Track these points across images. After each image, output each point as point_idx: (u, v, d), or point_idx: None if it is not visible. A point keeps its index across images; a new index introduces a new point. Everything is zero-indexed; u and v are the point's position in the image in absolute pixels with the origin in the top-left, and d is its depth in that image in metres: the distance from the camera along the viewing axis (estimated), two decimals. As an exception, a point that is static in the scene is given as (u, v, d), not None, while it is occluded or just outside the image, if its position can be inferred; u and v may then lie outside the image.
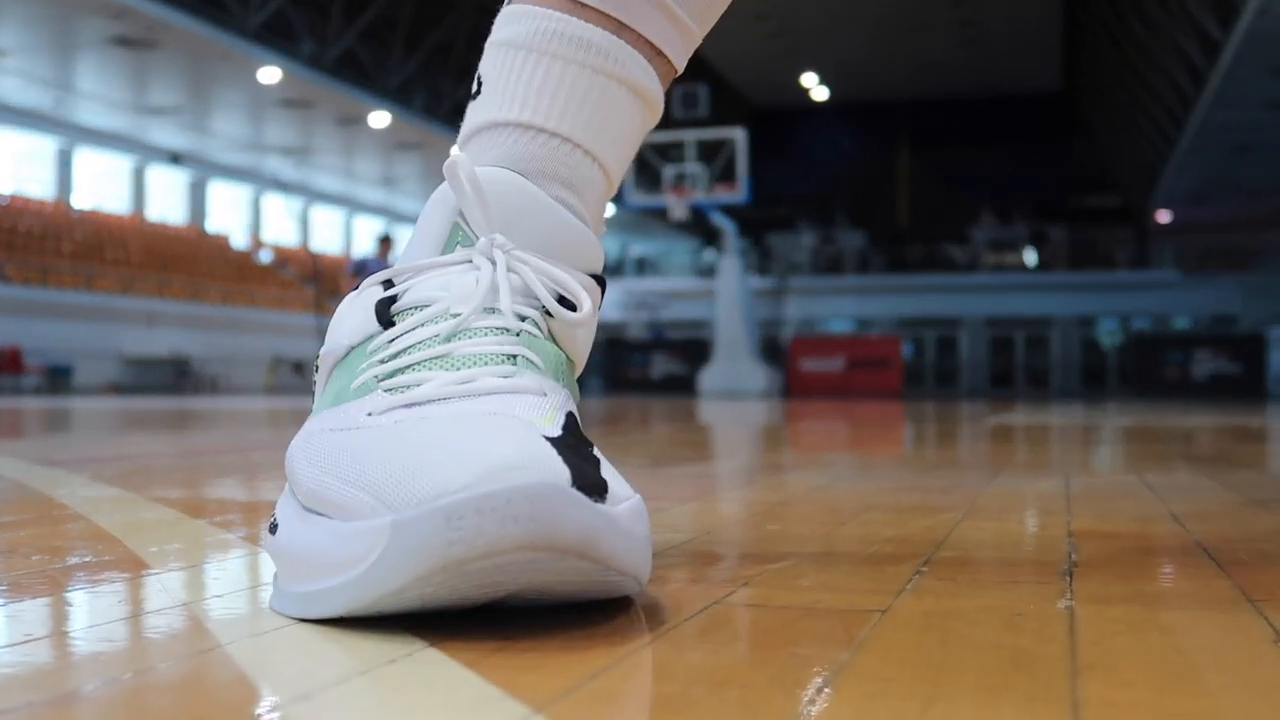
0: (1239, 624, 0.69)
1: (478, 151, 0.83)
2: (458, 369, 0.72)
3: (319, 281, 26.78)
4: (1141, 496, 1.55)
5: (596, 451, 0.71)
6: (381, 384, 0.74)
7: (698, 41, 0.89)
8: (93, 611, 0.74)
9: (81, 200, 26.93)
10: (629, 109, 0.85)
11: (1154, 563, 0.95)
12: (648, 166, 18.42)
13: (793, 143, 37.93)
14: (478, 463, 0.60)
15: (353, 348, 0.78)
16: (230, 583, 0.86)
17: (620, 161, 0.87)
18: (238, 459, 2.49)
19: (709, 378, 18.23)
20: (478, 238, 0.78)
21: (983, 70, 35.57)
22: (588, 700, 0.52)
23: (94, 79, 23.12)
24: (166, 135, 27.12)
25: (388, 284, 0.80)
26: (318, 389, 0.82)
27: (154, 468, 2.18)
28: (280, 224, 33.19)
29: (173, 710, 0.51)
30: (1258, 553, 1.01)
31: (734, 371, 18.05)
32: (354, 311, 0.80)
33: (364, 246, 36.65)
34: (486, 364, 0.73)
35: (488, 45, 0.86)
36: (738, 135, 18.19)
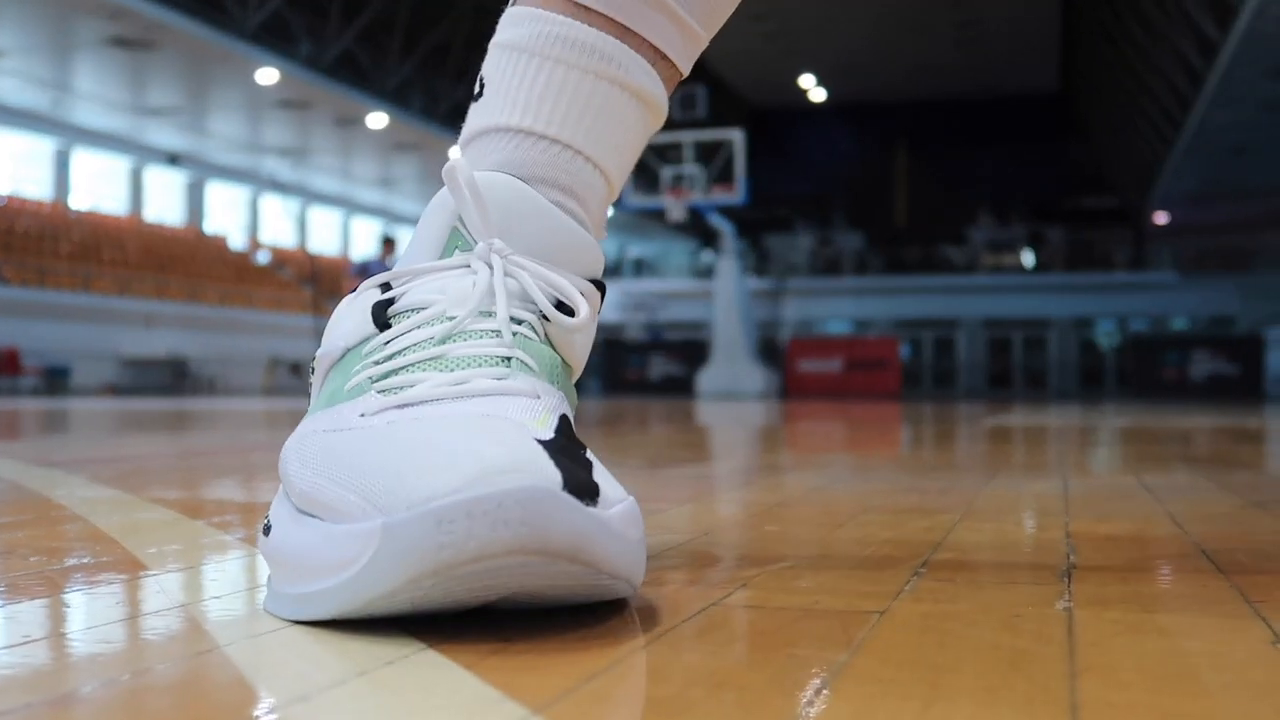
0: (1237, 625, 0.69)
1: (477, 155, 0.83)
2: (451, 370, 0.72)
3: (316, 282, 26.79)
4: (1139, 498, 1.55)
5: (589, 454, 0.71)
6: (375, 385, 0.74)
7: (703, 45, 0.88)
8: (90, 613, 0.74)
9: (79, 201, 26.93)
10: (632, 114, 0.85)
11: (1152, 564, 0.95)
12: (646, 168, 18.41)
13: (791, 144, 37.93)
14: (469, 465, 0.60)
15: (348, 349, 0.78)
16: (228, 584, 0.86)
17: (622, 167, 0.87)
18: (235, 460, 2.49)
19: (707, 379, 18.23)
20: (476, 242, 0.78)
21: (980, 71, 35.58)
22: (586, 701, 0.52)
23: (92, 80, 23.11)
24: (164, 136, 27.11)
25: (385, 287, 0.80)
26: (313, 390, 0.82)
27: (152, 469, 2.17)
28: (278, 225, 33.19)
29: (170, 712, 0.51)
30: (1256, 554, 1.01)
31: (732, 373, 18.05)
32: (351, 314, 0.80)
33: (362, 247, 36.65)
34: (480, 365, 0.73)
35: (490, 46, 0.86)
36: (735, 136, 18.19)
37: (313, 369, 0.82)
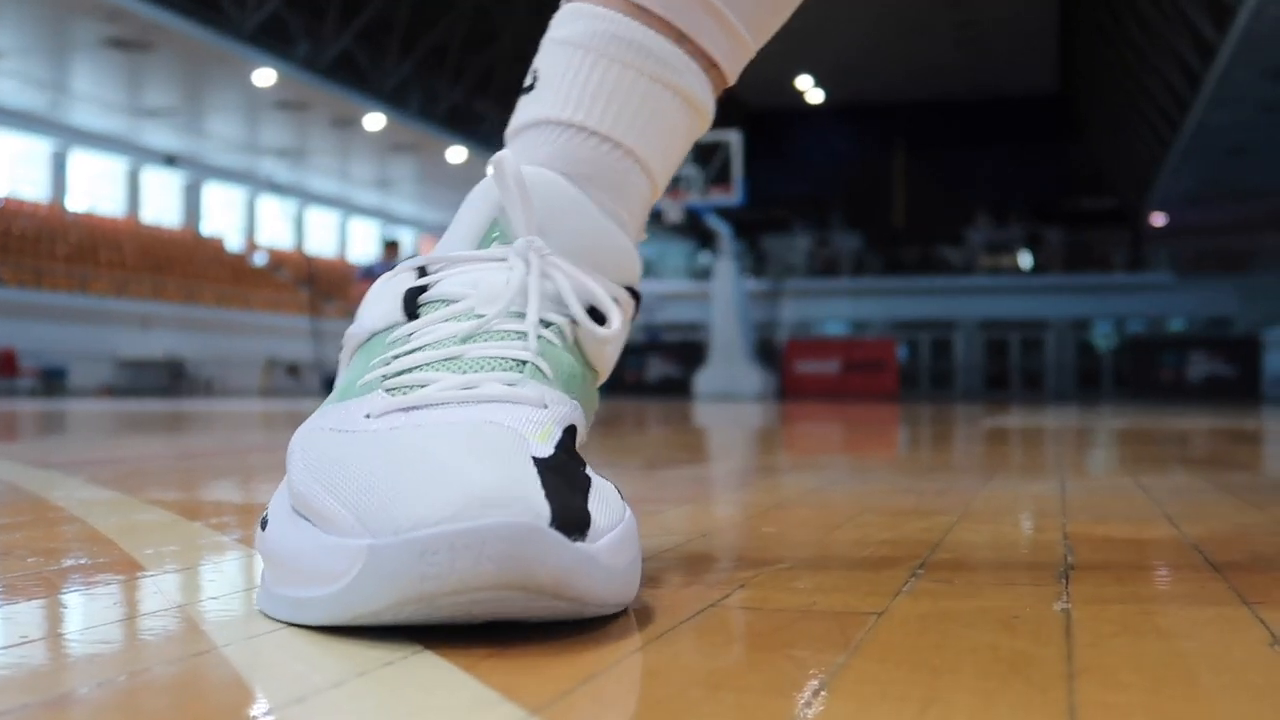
0: (1235, 626, 0.69)
1: (526, 148, 0.83)
2: (464, 372, 0.72)
3: (314, 284, 26.78)
4: (1137, 499, 1.55)
5: (589, 471, 0.71)
6: (385, 384, 0.73)
7: (750, 55, 0.89)
8: (88, 614, 0.74)
9: (76, 202, 26.91)
10: (681, 119, 0.85)
11: (1150, 565, 0.95)
12: (643, 169, 18.40)
13: (788, 145, 37.94)
14: (457, 494, 0.59)
15: (375, 333, 0.79)
16: (225, 585, 0.86)
17: (666, 170, 0.87)
18: (233, 461, 2.49)
19: (704, 380, 18.23)
20: (516, 237, 0.78)
21: (978, 72, 35.61)
22: (584, 703, 0.52)
23: (89, 81, 23.10)
24: (161, 137, 27.10)
25: (423, 271, 0.80)
26: (340, 370, 0.83)
27: (149, 470, 2.17)
28: (275, 226, 33.17)
29: (168, 713, 0.51)
30: (1254, 555, 1.01)
31: (729, 374, 18.04)
32: (383, 296, 0.80)
33: (360, 249, 36.63)
34: (494, 369, 0.72)
35: (545, 41, 0.86)
36: (733, 137, 18.18)
37: (342, 346, 0.83)
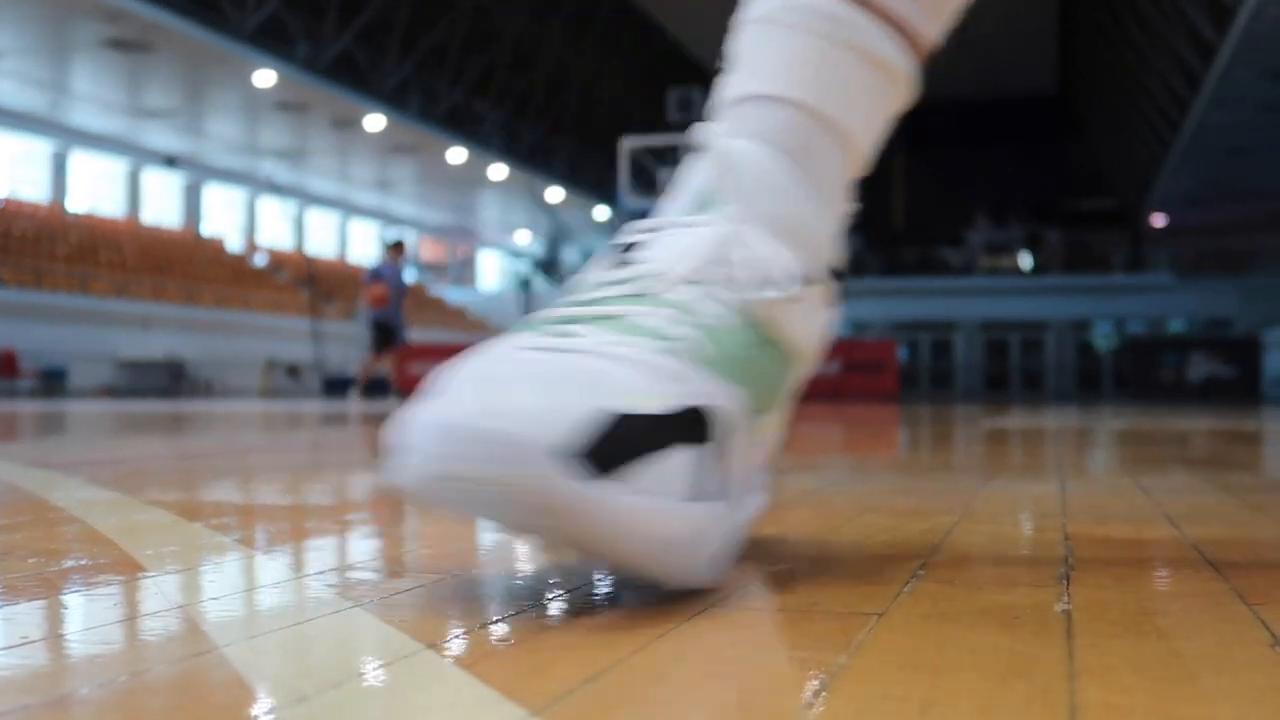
0: (1236, 627, 0.69)
1: (735, 122, 0.85)
2: (619, 333, 0.75)
3: (314, 285, 26.78)
4: (1137, 499, 1.55)
5: (700, 453, 0.73)
6: (545, 327, 0.78)
7: (945, 16, 0.90)
8: (88, 614, 0.74)
9: (76, 203, 26.92)
10: (876, 83, 0.87)
11: (1150, 566, 0.95)
12: (643, 169, 18.42)
13: (788, 146, 37.92)
14: (501, 402, 0.66)
15: (585, 281, 0.84)
16: (226, 585, 0.86)
17: (868, 139, 0.89)
18: (232, 462, 2.48)
19: (704, 380, 18.22)
20: (717, 206, 0.80)
21: (978, 73, 35.63)
22: (585, 703, 0.52)
23: (89, 82, 23.11)
24: (161, 138, 27.11)
25: (635, 230, 0.84)
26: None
27: (149, 470, 2.17)
28: (275, 227, 33.18)
29: (168, 713, 0.51)
30: (1254, 556, 1.01)
31: (729, 374, 18.04)
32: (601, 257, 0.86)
33: (359, 250, 36.63)
34: (645, 336, 0.75)
35: (737, 24, 0.88)
36: (733, 138, 18.18)
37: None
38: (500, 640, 0.62)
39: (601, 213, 34.07)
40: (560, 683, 0.54)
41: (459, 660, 0.58)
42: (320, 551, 1.05)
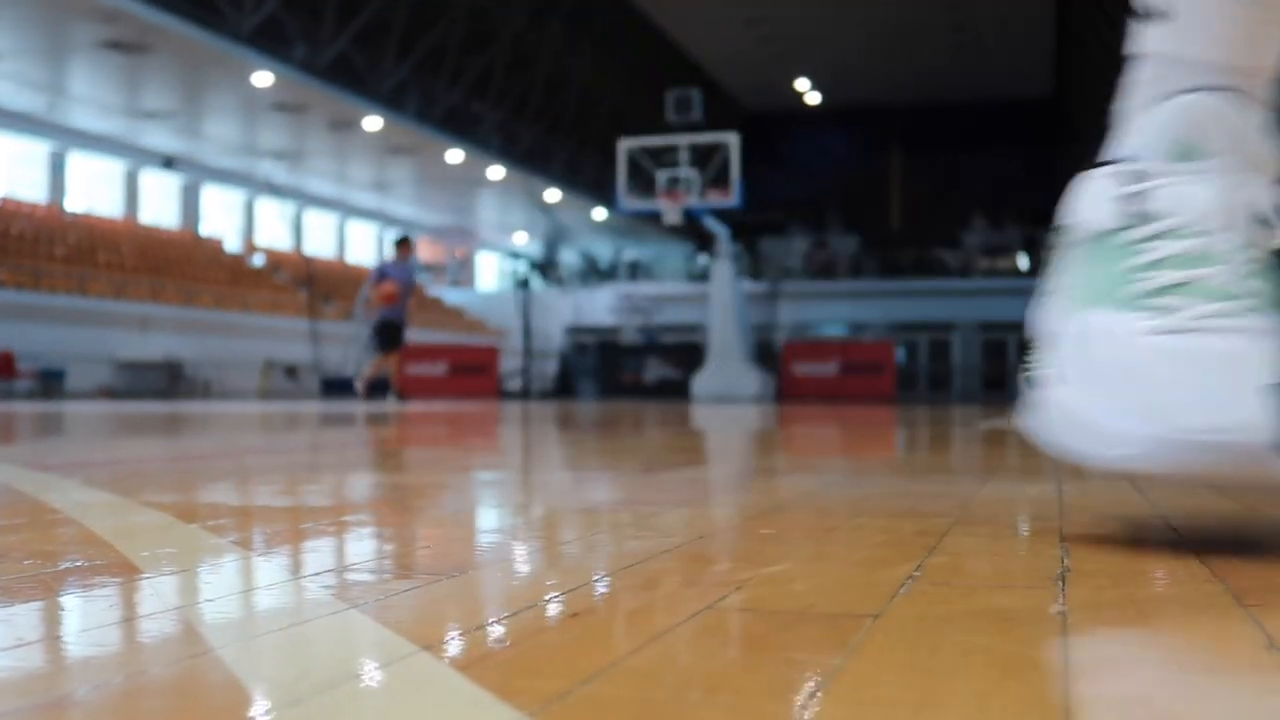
0: (1232, 629, 0.69)
1: (1194, 77, 0.92)
2: (1207, 300, 0.86)
3: (312, 285, 26.76)
4: (1134, 501, 1.55)
5: None
6: (1142, 301, 0.88)
7: None
8: (84, 616, 0.74)
9: (74, 204, 26.90)
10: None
11: (1146, 568, 0.95)
12: (641, 171, 18.42)
13: (786, 147, 37.98)
14: (1212, 414, 0.83)
15: (1099, 234, 0.92)
16: (222, 587, 0.86)
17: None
18: (230, 463, 2.48)
19: (702, 382, 18.23)
20: (1205, 155, 0.84)
21: (975, 75, 35.65)
22: (580, 705, 0.52)
23: (87, 83, 23.10)
24: (159, 139, 27.10)
25: (1125, 177, 0.90)
26: (1060, 255, 0.98)
27: (146, 472, 2.17)
28: (273, 228, 33.17)
29: (164, 715, 0.51)
30: (1250, 557, 1.01)
31: (727, 375, 18.04)
32: (1095, 196, 0.93)
33: (357, 251, 36.62)
34: (1228, 299, 0.85)
35: None
36: (730, 140, 18.20)
37: (1055, 237, 0.98)
38: (496, 642, 0.62)
39: (599, 214, 34.08)
40: (555, 684, 0.54)
41: (454, 662, 0.59)
42: (317, 553, 1.05)
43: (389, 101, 25.97)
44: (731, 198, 18.15)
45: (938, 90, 36.97)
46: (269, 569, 0.95)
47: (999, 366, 30.94)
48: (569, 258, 39.13)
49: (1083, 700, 0.52)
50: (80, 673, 0.58)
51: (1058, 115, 37.70)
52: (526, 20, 29.04)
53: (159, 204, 29.56)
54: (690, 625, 0.69)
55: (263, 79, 22.17)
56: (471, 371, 19.44)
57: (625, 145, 18.58)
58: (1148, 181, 0.89)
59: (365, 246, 37.00)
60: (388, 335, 10.98)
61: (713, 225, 18.72)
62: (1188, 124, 0.89)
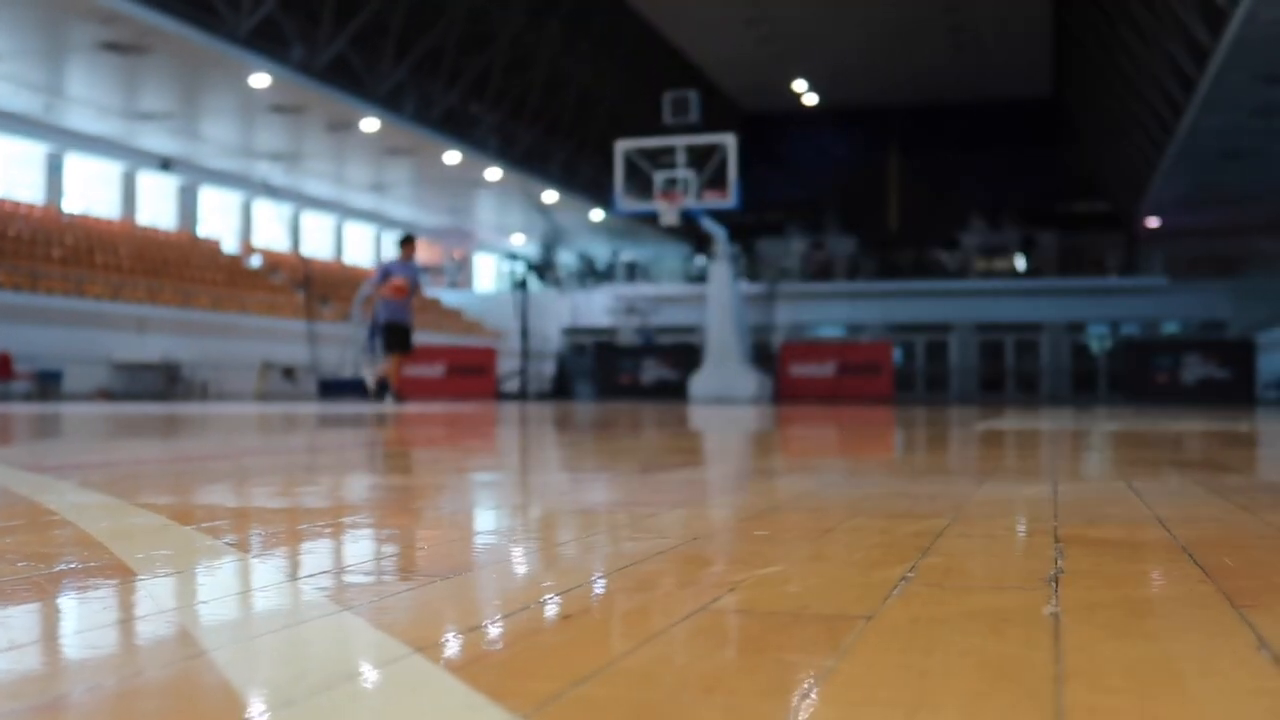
0: (1224, 630, 0.69)
1: None
2: None
3: (309, 287, 26.74)
4: (1129, 502, 1.55)
5: None
6: None
7: None
8: (79, 618, 0.74)
9: (71, 205, 26.87)
10: None
11: (1141, 569, 0.95)
12: (638, 172, 18.41)
13: (783, 148, 37.99)
14: None
15: None
16: (217, 589, 0.86)
17: None
18: (227, 465, 2.48)
19: (700, 383, 18.22)
20: None
21: (973, 76, 35.65)
22: (573, 706, 0.52)
23: (84, 84, 23.08)
24: (157, 140, 27.07)
25: None
26: None
27: (143, 473, 2.17)
28: (271, 229, 33.14)
29: (158, 716, 0.51)
30: (1244, 558, 1.01)
31: (724, 376, 18.03)
32: None
33: (355, 252, 36.58)
34: None
35: None
36: (728, 141, 18.19)
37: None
38: (490, 643, 0.62)
39: (597, 215, 34.06)
40: (548, 685, 0.55)
41: (448, 664, 0.59)
42: (313, 555, 1.05)
43: (387, 103, 25.95)
44: (729, 199, 18.14)
45: (936, 91, 36.97)
46: (264, 571, 0.95)
47: (996, 367, 30.94)
48: (566, 259, 39.11)
49: (1074, 700, 0.52)
50: (75, 674, 0.58)
51: (1056, 115, 37.71)
52: (524, 22, 29.03)
53: (156, 205, 29.52)
54: (685, 626, 0.69)
55: (260, 80, 22.15)
56: (469, 373, 19.44)
57: (622, 146, 18.57)
58: None
59: (363, 248, 36.96)
60: (397, 337, 10.93)
61: (710, 226, 18.71)
62: None
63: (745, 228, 30.05)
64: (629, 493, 1.75)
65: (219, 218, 31.86)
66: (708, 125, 20.13)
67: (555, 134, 33.06)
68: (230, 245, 31.63)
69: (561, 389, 21.00)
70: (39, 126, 25.15)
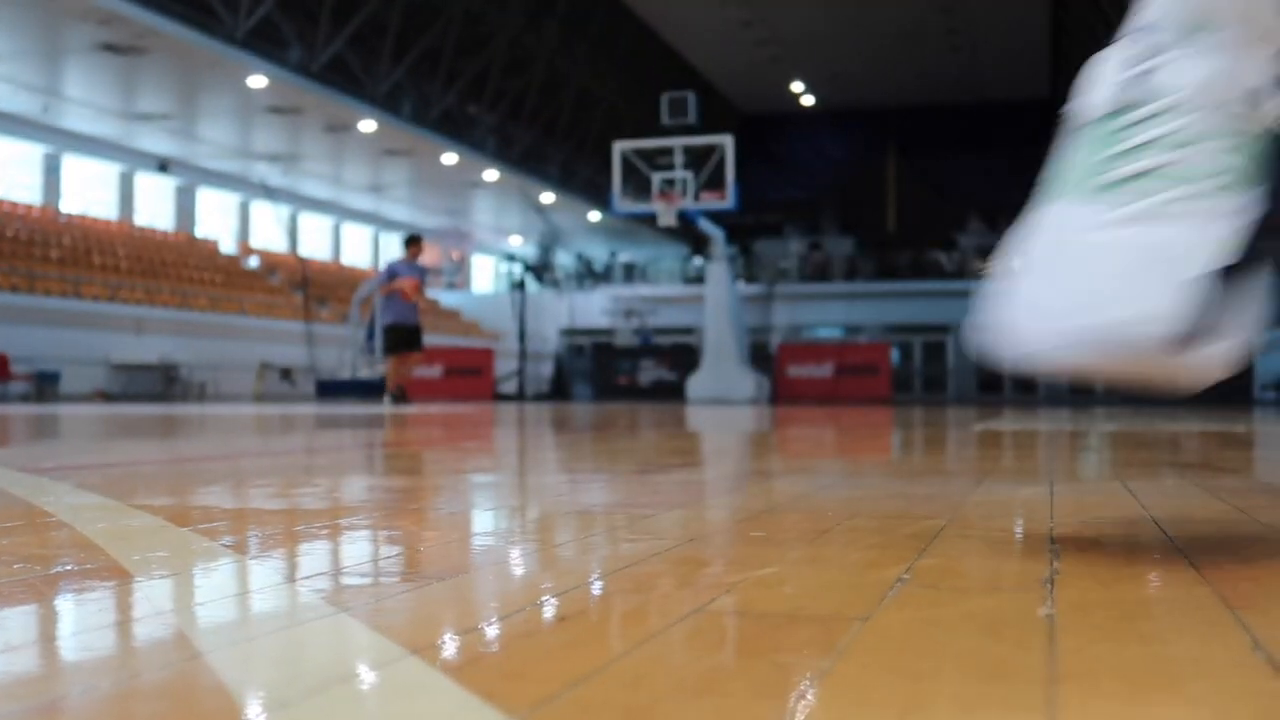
0: (1219, 632, 0.69)
1: None
2: (1175, 183, 0.82)
3: (307, 288, 26.74)
4: (1125, 503, 1.55)
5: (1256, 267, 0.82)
6: (1103, 193, 0.85)
7: None
8: (76, 620, 0.74)
9: (69, 206, 26.87)
10: None
11: (1136, 570, 0.96)
12: (636, 173, 18.42)
13: (781, 149, 38.01)
14: (1122, 308, 0.80)
15: (1095, 121, 0.89)
16: (213, 591, 0.86)
17: None
18: (224, 466, 2.48)
19: (697, 384, 18.23)
20: (1213, 30, 0.85)
21: (970, 78, 35.69)
22: (568, 708, 0.52)
23: (82, 85, 23.08)
24: (155, 141, 27.08)
25: (1133, 57, 0.88)
26: (1070, 147, 0.93)
27: (140, 475, 2.17)
28: (268, 230, 33.14)
29: (154, 718, 0.51)
30: (1239, 560, 1.01)
31: (722, 377, 18.05)
32: (1098, 79, 0.90)
33: (353, 253, 36.58)
34: (1196, 180, 0.82)
35: None
36: (726, 142, 18.21)
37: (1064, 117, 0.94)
38: (485, 645, 0.63)
39: (594, 216, 34.07)
40: (542, 687, 0.55)
41: (443, 665, 0.59)
42: (309, 556, 1.05)
43: (384, 104, 25.96)
44: (726, 200, 18.16)
45: (934, 92, 37.01)
46: (261, 572, 0.95)
47: (994, 368, 30.95)
48: (564, 260, 39.13)
49: (1068, 702, 0.53)
50: (71, 677, 0.58)
51: (1053, 117, 37.75)
52: (522, 23, 29.05)
53: (154, 206, 29.52)
54: (680, 628, 0.69)
55: (258, 81, 22.16)
56: (467, 374, 19.45)
57: (620, 147, 18.58)
58: (1154, 59, 0.87)
59: (360, 249, 36.97)
60: (407, 338, 10.91)
61: (708, 227, 18.72)
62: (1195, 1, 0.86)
63: (743, 229, 30.07)
64: (626, 494, 1.75)
65: (217, 219, 31.85)
66: (705, 126, 20.15)
67: (553, 135, 33.05)
68: (228, 246, 31.62)
69: (559, 390, 21.00)
70: (37, 127, 25.13)
